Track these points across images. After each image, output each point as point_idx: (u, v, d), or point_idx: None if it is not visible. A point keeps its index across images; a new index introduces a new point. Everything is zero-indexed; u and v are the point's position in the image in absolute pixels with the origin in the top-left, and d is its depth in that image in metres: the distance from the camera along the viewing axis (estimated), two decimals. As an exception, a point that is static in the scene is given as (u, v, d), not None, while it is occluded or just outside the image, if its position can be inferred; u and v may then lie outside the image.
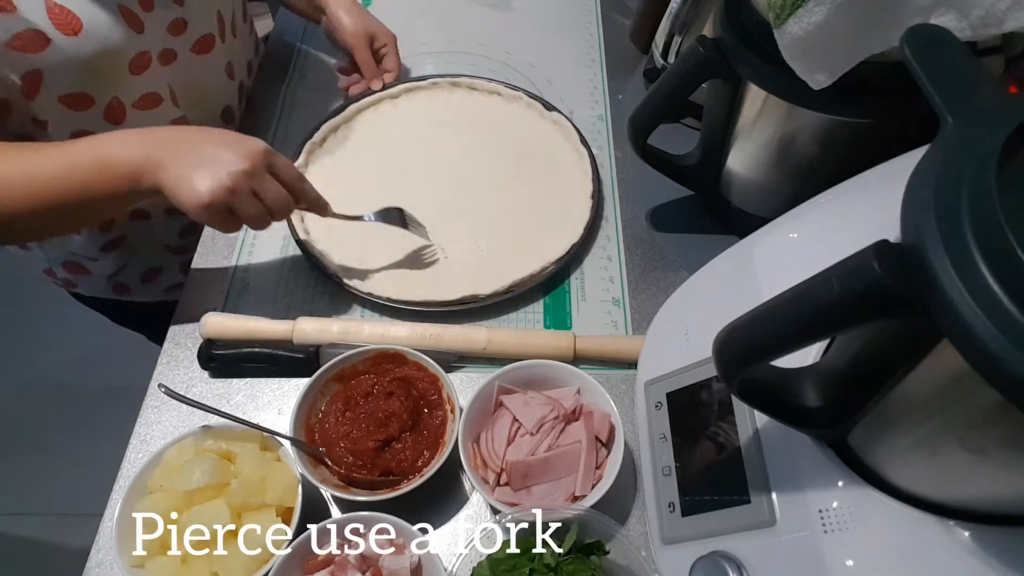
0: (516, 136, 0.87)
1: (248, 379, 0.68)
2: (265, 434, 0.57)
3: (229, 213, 0.59)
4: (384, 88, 0.89)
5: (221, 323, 0.68)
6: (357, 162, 0.84)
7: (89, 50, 0.64)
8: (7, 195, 0.58)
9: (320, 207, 0.68)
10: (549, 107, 0.88)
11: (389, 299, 0.70)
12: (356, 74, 0.91)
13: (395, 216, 0.73)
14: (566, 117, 0.86)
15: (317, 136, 0.84)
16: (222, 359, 0.66)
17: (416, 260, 0.75)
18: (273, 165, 0.61)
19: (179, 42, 0.75)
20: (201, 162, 0.58)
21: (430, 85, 0.90)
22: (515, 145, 0.85)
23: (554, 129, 0.87)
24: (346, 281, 0.71)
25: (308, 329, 0.67)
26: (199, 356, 0.67)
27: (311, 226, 0.76)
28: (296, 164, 0.80)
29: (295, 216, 0.75)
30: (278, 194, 0.61)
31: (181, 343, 0.70)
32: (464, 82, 0.91)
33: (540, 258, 0.73)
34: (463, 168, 0.83)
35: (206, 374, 0.68)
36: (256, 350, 0.66)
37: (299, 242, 0.74)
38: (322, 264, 0.72)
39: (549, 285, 0.75)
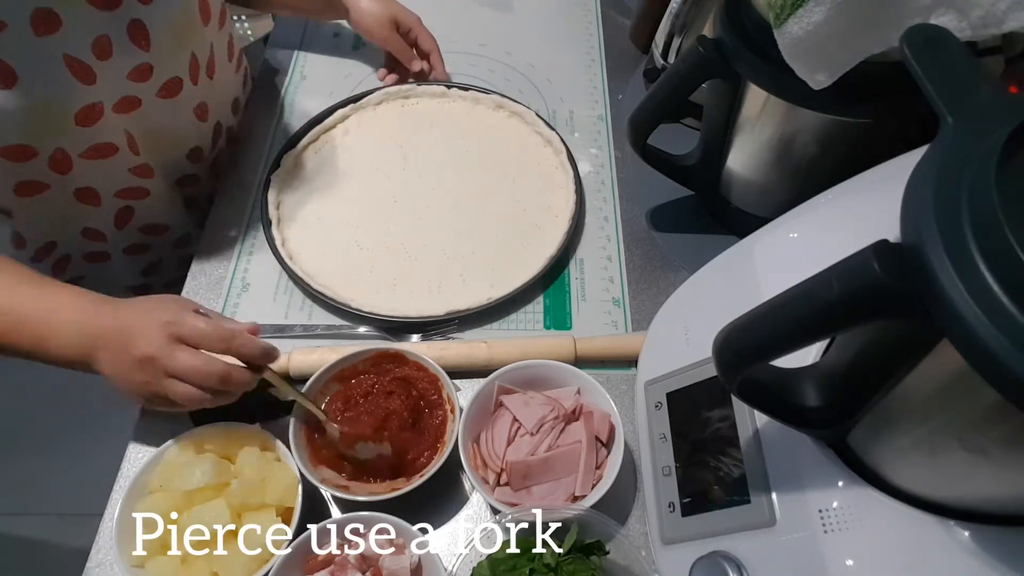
0: (484, 138, 0.87)
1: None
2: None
3: (157, 401, 0.54)
4: (421, 72, 0.90)
5: None
6: (334, 179, 0.83)
7: (24, 103, 0.60)
8: None
9: (265, 357, 0.55)
10: (515, 101, 0.88)
11: (389, 317, 0.69)
12: (393, 72, 0.92)
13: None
14: (528, 107, 0.88)
15: (299, 147, 0.84)
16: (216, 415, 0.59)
17: (408, 275, 0.75)
18: (180, 335, 0.52)
19: (143, 88, 0.69)
20: (117, 362, 0.53)
21: (395, 96, 0.90)
22: (487, 149, 0.86)
23: (517, 122, 0.88)
24: (347, 304, 0.70)
25: (303, 363, 0.64)
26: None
27: (299, 258, 0.75)
28: (273, 175, 0.80)
29: (278, 242, 0.74)
30: (194, 368, 0.51)
31: (181, 343, 0.70)
32: (416, 91, 0.90)
33: (532, 263, 0.73)
34: (442, 177, 0.83)
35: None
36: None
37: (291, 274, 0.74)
38: (319, 294, 0.71)
39: (549, 285, 0.75)
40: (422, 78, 0.92)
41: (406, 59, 0.89)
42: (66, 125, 0.64)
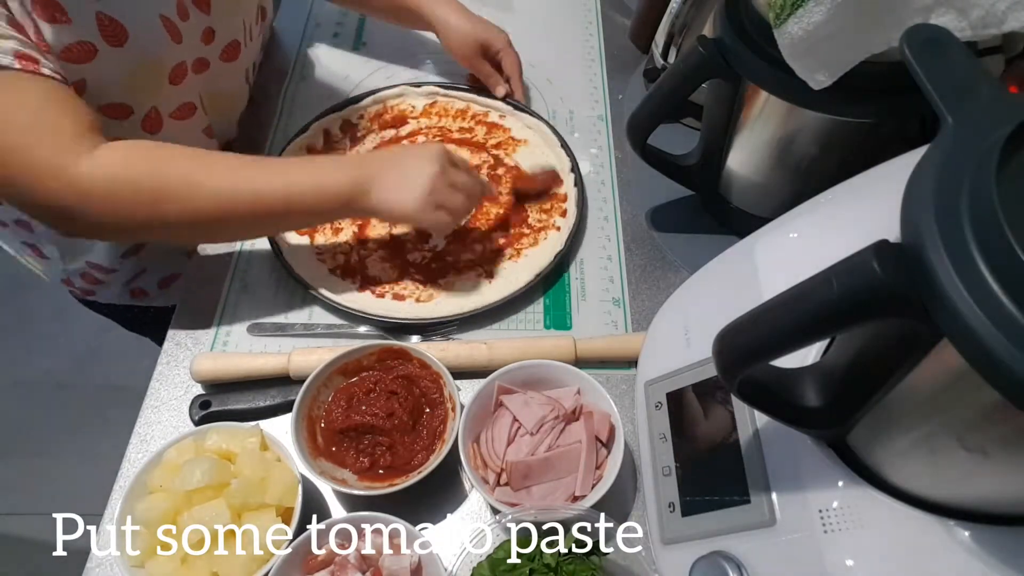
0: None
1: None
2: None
3: (437, 208, 0.65)
4: (507, 96, 0.89)
5: (213, 365, 0.65)
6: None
7: (133, 61, 0.64)
8: (234, 205, 0.62)
9: (490, 190, 0.75)
10: (519, 108, 0.88)
11: (389, 319, 0.69)
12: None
13: None
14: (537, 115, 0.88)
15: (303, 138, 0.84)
16: (216, 415, 0.63)
17: (413, 275, 0.74)
18: (453, 160, 0.68)
19: (209, 50, 0.74)
20: (398, 178, 0.65)
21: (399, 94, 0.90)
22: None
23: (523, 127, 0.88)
24: (347, 305, 0.70)
25: (303, 363, 0.64)
26: (190, 409, 0.64)
27: (298, 257, 0.75)
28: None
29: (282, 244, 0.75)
30: (467, 179, 0.68)
31: (181, 343, 0.70)
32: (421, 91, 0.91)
33: (532, 263, 0.74)
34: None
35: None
36: (252, 406, 0.64)
37: (287, 267, 0.74)
38: (323, 296, 0.71)
39: (549, 285, 0.75)
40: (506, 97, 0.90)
41: (491, 85, 0.89)
42: (161, 83, 0.69)
